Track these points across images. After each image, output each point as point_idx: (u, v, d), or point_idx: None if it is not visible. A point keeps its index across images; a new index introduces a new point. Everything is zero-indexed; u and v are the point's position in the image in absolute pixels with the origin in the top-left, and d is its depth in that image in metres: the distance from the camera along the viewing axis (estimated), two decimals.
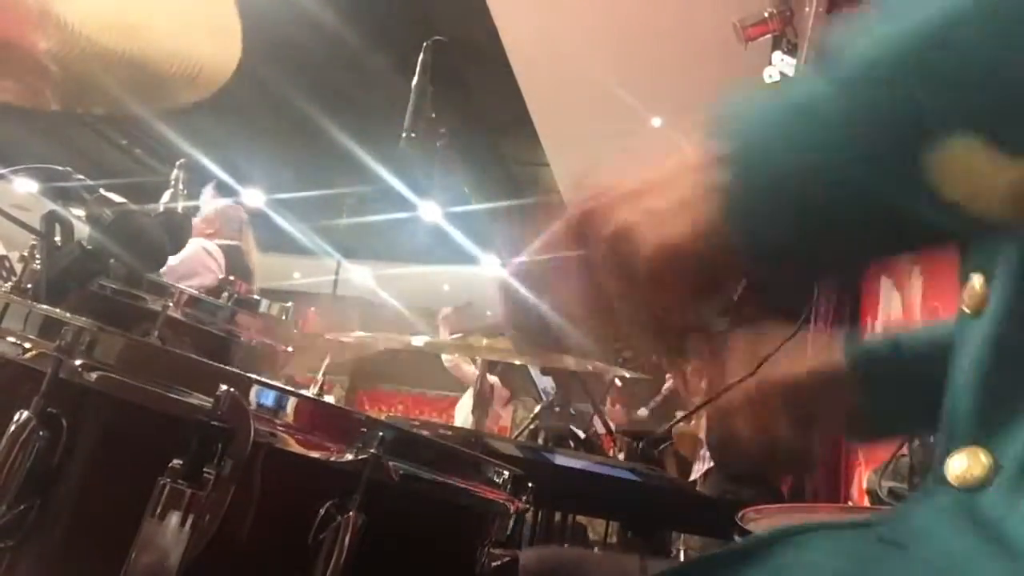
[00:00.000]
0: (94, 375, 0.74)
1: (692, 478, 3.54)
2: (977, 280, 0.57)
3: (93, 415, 0.77)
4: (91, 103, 1.52)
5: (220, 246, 3.49)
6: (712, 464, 3.29)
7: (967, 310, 0.57)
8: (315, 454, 0.79)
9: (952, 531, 0.52)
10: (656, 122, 5.98)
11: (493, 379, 4.85)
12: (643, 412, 4.68)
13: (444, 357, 5.53)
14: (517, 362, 3.65)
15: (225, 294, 1.73)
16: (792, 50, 4.49)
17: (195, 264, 3.40)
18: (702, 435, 3.48)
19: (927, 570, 0.51)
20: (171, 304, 1.55)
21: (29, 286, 1.35)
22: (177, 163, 2.05)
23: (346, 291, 9.75)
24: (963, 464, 0.53)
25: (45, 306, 0.86)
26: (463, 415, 5.58)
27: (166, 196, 1.97)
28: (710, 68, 5.07)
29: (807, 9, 4.25)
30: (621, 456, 4.54)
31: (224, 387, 0.71)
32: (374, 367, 11.82)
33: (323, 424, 0.81)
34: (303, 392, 0.88)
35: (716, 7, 4.55)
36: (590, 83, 5.50)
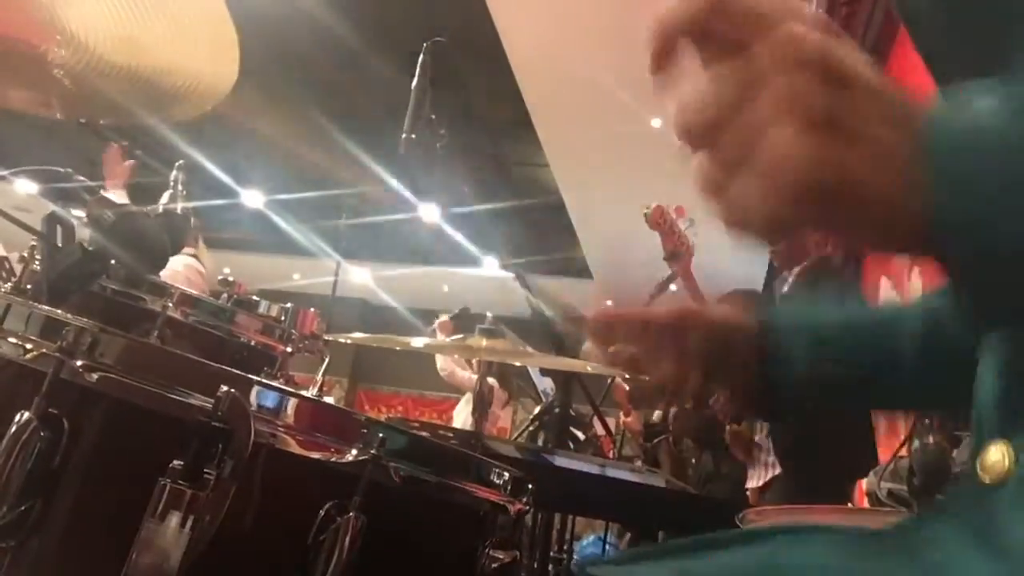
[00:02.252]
0: (95, 376, 0.75)
1: (751, 485, 3.00)
2: None
3: (94, 416, 0.77)
4: (96, 113, 1.53)
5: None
6: (779, 471, 2.81)
7: None
8: (316, 455, 0.79)
9: (957, 541, 0.49)
10: (656, 123, 5.99)
11: (491, 381, 4.84)
12: (656, 415, 4.63)
13: (439, 364, 5.50)
14: (517, 363, 3.64)
15: (224, 295, 1.73)
16: None
17: (184, 283, 3.36)
18: (758, 437, 2.96)
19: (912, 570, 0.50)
20: (170, 304, 1.55)
21: (29, 286, 1.35)
22: (176, 164, 2.06)
23: (346, 292, 9.76)
24: (994, 457, 0.51)
25: (46, 307, 0.86)
26: (461, 420, 5.57)
27: (165, 197, 1.97)
28: None
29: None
30: (639, 461, 4.46)
31: (225, 388, 0.71)
32: (374, 368, 11.83)
33: (324, 425, 0.81)
34: (303, 393, 0.88)
35: None
36: (590, 84, 5.49)
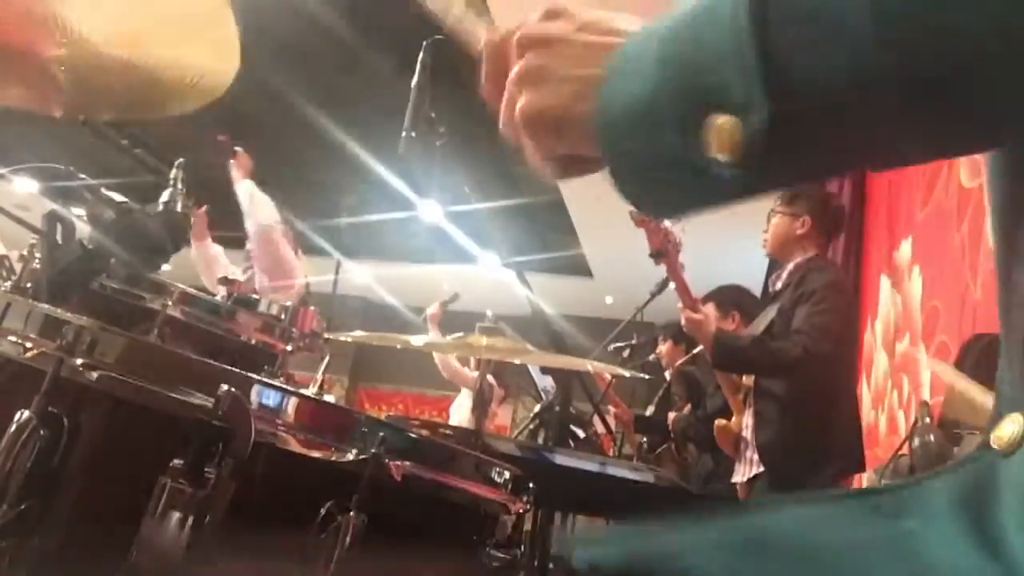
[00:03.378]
0: (95, 374, 0.74)
1: (735, 480, 2.95)
2: None
3: (94, 414, 0.76)
4: (95, 110, 1.53)
5: None
6: (762, 469, 2.75)
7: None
8: (316, 454, 0.79)
9: (948, 511, 0.49)
10: None
11: (489, 378, 4.79)
12: (649, 411, 4.63)
13: (436, 358, 5.49)
14: (517, 361, 3.63)
15: (224, 293, 1.73)
16: None
17: (295, 270, 3.43)
18: (746, 432, 2.90)
19: (889, 545, 0.49)
20: (170, 303, 1.54)
21: (28, 285, 1.34)
22: (176, 163, 2.05)
23: (346, 290, 9.75)
24: (1010, 429, 0.50)
25: (46, 306, 0.86)
26: (459, 415, 5.57)
27: (165, 195, 1.97)
28: None
29: None
30: (635, 459, 4.46)
31: (225, 387, 0.71)
32: (374, 366, 11.82)
33: (324, 424, 0.81)
34: (304, 392, 0.88)
35: None
36: None
